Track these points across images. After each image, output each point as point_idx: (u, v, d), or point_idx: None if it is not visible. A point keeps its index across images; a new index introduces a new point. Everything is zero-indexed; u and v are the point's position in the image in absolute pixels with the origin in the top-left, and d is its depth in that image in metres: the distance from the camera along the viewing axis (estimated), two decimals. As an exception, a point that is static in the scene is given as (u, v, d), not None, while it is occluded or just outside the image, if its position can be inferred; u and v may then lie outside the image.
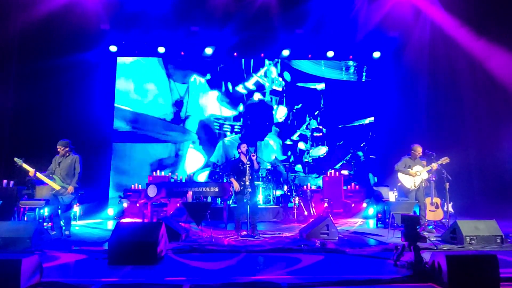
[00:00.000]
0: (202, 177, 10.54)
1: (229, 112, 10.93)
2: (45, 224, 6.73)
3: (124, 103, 10.65)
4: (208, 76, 10.92)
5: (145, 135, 10.64)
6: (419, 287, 3.42)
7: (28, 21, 8.54)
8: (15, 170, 6.14)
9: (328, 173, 9.85)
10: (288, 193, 9.20)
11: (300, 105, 11.05)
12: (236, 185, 6.25)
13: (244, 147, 6.45)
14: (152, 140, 10.65)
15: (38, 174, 5.99)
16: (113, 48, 10.13)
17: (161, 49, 10.28)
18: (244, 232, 6.17)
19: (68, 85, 9.45)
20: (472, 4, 8.74)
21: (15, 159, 5.97)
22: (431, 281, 3.49)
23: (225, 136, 10.84)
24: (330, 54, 10.64)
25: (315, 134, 10.98)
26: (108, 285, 3.41)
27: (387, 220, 7.03)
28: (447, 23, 9.07)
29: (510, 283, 3.40)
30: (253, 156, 6.27)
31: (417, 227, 4.06)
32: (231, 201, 8.59)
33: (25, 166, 5.94)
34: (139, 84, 10.77)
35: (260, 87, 11.07)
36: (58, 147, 6.21)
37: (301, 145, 10.99)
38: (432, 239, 5.49)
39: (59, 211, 6.21)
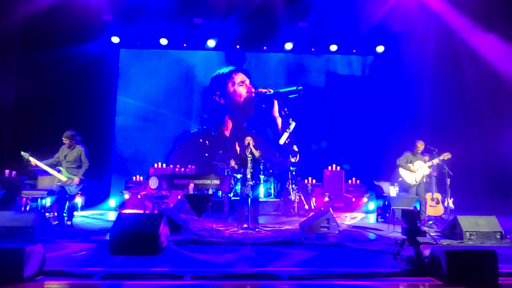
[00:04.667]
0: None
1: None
2: (47, 214, 6.77)
3: (128, 95, 10.64)
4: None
5: (148, 127, 10.64)
6: (418, 281, 3.44)
7: (30, 11, 8.50)
8: (17, 160, 6.18)
9: (329, 168, 9.85)
10: (289, 186, 9.21)
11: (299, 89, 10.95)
12: (232, 163, 6.38)
13: (245, 140, 6.49)
14: (155, 132, 10.65)
15: (54, 172, 6.07)
16: (115, 39, 10.09)
17: (164, 41, 10.24)
18: (245, 225, 6.20)
19: (71, 76, 9.44)
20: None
21: (22, 153, 6.01)
22: (430, 275, 3.51)
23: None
24: (333, 48, 10.57)
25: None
26: (109, 274, 3.44)
27: (387, 214, 7.05)
28: (452, 18, 8.99)
29: (509, 278, 3.41)
30: (251, 143, 6.31)
31: (417, 222, 4.07)
32: (232, 193, 8.62)
33: (32, 160, 6.03)
34: (144, 76, 10.73)
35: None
36: (63, 139, 6.23)
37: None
38: (432, 234, 5.51)
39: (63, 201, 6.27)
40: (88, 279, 3.35)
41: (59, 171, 6.12)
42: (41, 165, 6.10)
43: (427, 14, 9.40)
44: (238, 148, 6.65)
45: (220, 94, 10.84)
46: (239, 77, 10.41)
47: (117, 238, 4.35)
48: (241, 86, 10.72)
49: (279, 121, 10.14)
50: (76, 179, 6.12)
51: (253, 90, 10.63)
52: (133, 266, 3.82)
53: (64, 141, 6.22)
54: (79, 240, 5.10)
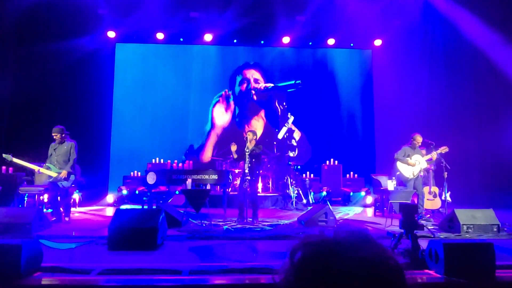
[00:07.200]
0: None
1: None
2: (44, 210, 6.75)
3: (124, 90, 10.57)
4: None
5: (145, 121, 10.58)
6: (416, 274, 3.45)
7: (25, 6, 8.41)
8: (14, 156, 6.15)
9: (327, 162, 9.86)
10: (287, 181, 9.21)
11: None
12: (233, 147, 6.33)
13: (246, 135, 6.47)
14: (152, 127, 10.59)
15: (42, 170, 6.06)
16: (111, 34, 10.00)
17: (160, 35, 10.16)
18: (244, 220, 6.21)
19: (67, 70, 9.37)
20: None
21: (4, 155, 5.98)
22: (428, 268, 3.52)
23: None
24: (331, 41, 10.52)
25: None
26: (107, 270, 3.43)
27: (385, 208, 7.07)
28: (450, 12, 8.97)
29: (506, 270, 3.43)
30: (248, 138, 6.28)
31: (415, 215, 4.08)
32: (230, 188, 8.61)
33: (15, 160, 6.00)
34: (140, 71, 10.65)
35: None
36: (53, 134, 6.21)
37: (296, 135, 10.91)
38: (429, 227, 5.53)
39: (59, 197, 6.24)
40: (86, 275, 3.34)
41: (48, 167, 6.10)
42: (27, 164, 6.09)
43: (425, 7, 9.37)
44: (233, 148, 6.52)
45: (230, 90, 10.87)
46: (246, 73, 10.48)
47: (115, 234, 4.34)
48: (245, 83, 10.77)
49: (279, 113, 10.21)
50: (64, 172, 6.10)
51: (255, 84, 10.65)
52: (132, 261, 3.81)
53: (54, 136, 6.20)
54: (77, 236, 5.09)
